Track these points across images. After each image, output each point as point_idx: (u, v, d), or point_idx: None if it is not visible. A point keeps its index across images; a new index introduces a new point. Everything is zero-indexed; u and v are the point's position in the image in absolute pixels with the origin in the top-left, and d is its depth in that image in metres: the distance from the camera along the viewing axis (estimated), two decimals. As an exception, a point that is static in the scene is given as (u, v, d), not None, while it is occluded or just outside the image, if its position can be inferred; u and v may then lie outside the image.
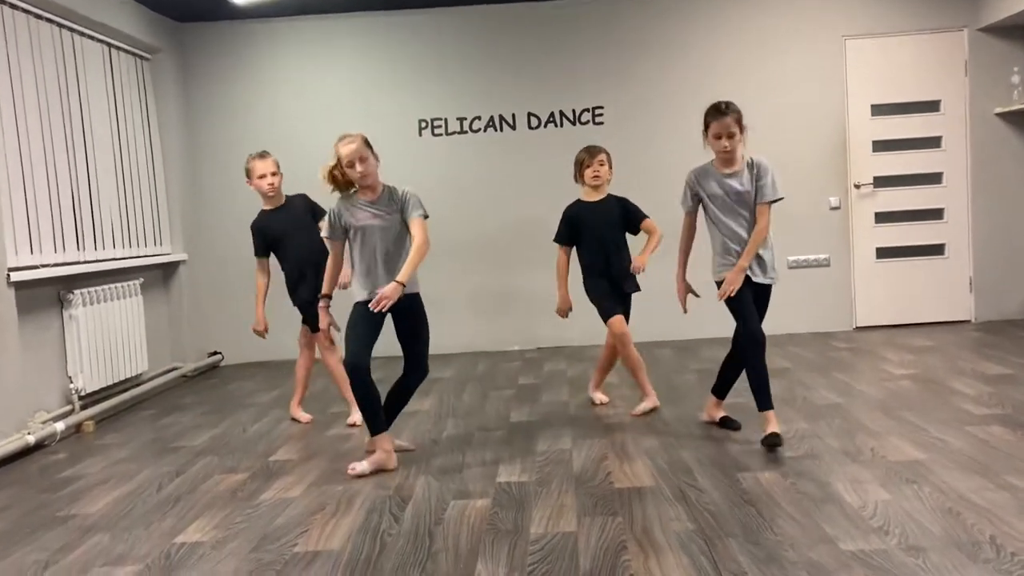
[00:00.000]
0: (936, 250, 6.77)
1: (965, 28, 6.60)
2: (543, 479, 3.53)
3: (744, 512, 3.02)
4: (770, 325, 6.81)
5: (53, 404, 5.04)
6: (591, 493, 3.32)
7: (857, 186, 6.73)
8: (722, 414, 4.18)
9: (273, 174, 4.66)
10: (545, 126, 6.84)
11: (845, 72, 6.69)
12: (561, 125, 6.84)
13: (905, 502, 3.02)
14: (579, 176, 4.60)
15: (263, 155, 4.69)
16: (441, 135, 6.88)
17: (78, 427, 4.93)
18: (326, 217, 3.86)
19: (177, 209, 6.71)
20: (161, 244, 6.55)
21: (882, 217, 6.76)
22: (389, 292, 3.61)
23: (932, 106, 6.69)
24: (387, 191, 3.81)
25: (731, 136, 3.74)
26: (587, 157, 4.56)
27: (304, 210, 4.78)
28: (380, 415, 3.73)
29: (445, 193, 6.84)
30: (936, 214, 6.75)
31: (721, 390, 4.16)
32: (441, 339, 6.76)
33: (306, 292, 4.64)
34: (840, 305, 6.80)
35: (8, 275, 4.55)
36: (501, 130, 6.86)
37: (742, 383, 3.97)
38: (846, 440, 3.80)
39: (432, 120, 6.87)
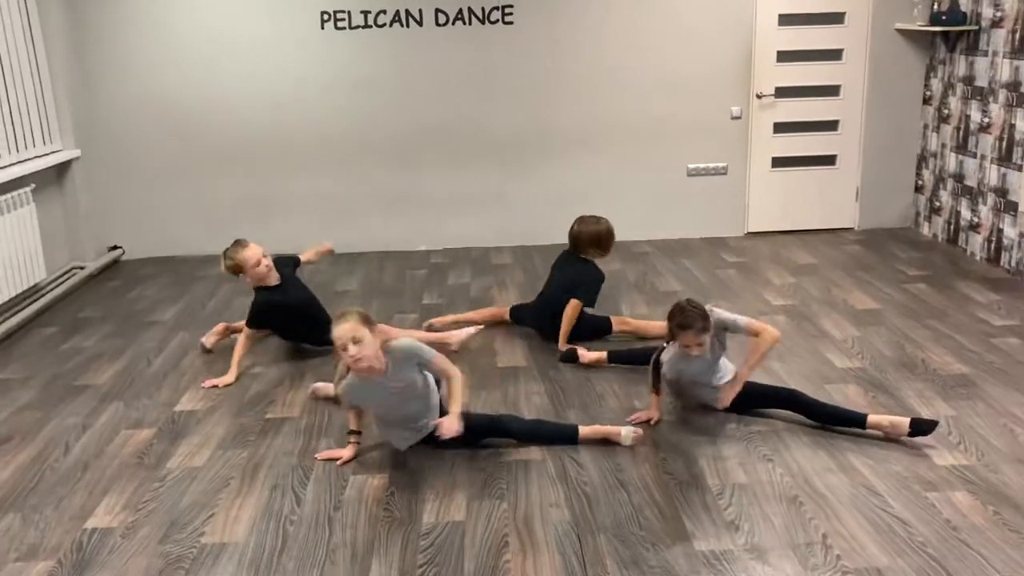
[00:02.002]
0: (828, 160, 7.03)
1: (876, -60, 6.58)
2: (437, 446, 3.78)
3: (616, 498, 3.35)
4: (666, 231, 7.16)
5: (-51, 328, 5.01)
6: (482, 468, 3.59)
7: (759, 96, 6.85)
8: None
9: (264, 255, 4.59)
10: (453, 23, 6.66)
11: (756, -21, 6.65)
12: (469, 23, 6.66)
13: (758, 487, 3.39)
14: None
15: (243, 243, 4.60)
16: (344, 28, 6.63)
17: (-23, 355, 4.94)
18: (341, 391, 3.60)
19: (65, 101, 6.39)
20: (51, 142, 6.29)
21: (780, 127, 6.94)
22: (448, 426, 3.47)
23: (837, 18, 6.74)
24: (392, 360, 3.47)
25: (700, 344, 3.69)
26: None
27: (297, 274, 4.85)
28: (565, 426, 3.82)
29: (349, 89, 6.72)
30: (831, 126, 6.96)
31: (616, 360, 4.45)
32: (349, 237, 6.90)
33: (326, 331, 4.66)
34: (734, 212, 7.08)
35: None
36: (407, 26, 6.65)
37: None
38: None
39: (335, 12, 6.59)
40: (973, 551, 2.96)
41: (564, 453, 3.70)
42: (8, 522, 3.31)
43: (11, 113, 5.77)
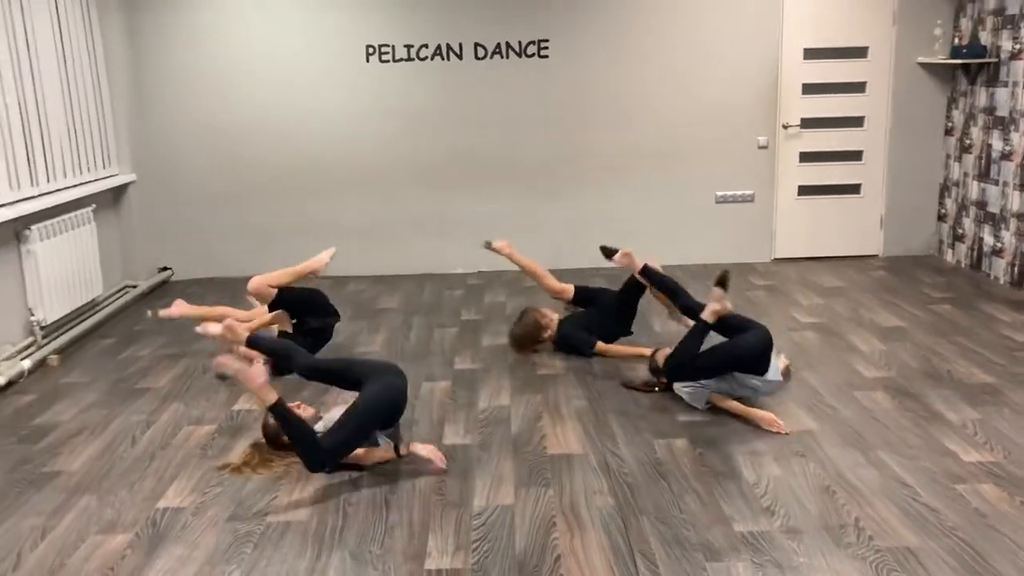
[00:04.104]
0: (853, 189, 7.24)
1: (897, -22, 6.86)
2: (485, 442, 3.98)
3: (657, 487, 3.53)
4: (695, 256, 7.34)
5: (16, 336, 5.28)
6: (526, 460, 3.78)
7: (785, 127, 7.10)
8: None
9: None
10: (491, 57, 6.98)
11: (782, 15, 6.93)
12: (507, 56, 6.98)
13: (792, 479, 3.56)
14: None
15: None
16: (388, 62, 6.96)
17: (43, 361, 5.20)
18: None
19: (124, 128, 6.74)
20: (110, 165, 6.62)
21: (806, 157, 7.17)
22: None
23: (860, 52, 7.00)
24: None
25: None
26: None
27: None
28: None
29: (392, 119, 7.03)
30: (856, 156, 7.18)
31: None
32: (389, 261, 7.18)
33: None
34: (761, 238, 7.29)
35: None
36: (448, 59, 6.97)
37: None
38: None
39: (380, 46, 6.93)
40: (1002, 534, 3.11)
41: (605, 448, 3.88)
42: (85, 502, 3.53)
43: (76, 139, 6.11)
